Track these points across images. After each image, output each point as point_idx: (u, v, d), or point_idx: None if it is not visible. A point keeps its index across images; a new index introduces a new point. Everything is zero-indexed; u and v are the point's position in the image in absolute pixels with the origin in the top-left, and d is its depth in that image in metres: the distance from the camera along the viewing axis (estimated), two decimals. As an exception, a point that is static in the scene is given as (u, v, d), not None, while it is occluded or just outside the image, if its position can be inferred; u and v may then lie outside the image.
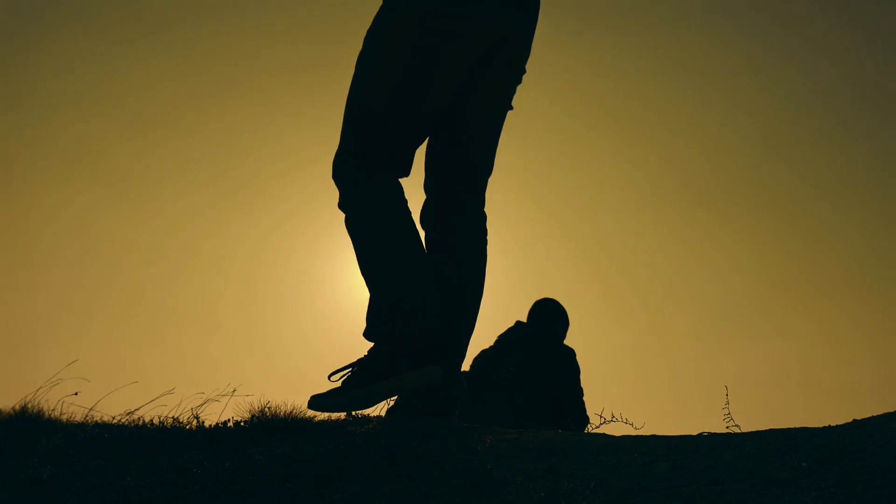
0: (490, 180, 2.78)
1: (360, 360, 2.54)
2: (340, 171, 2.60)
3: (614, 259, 10.52)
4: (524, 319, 4.97)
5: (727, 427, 2.78)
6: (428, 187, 2.75)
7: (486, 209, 2.76)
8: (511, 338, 4.82)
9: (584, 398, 4.73)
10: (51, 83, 9.40)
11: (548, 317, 4.97)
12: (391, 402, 2.64)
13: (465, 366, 4.81)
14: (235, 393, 3.17)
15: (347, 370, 2.54)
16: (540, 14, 2.69)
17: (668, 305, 10.24)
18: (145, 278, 9.25)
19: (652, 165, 10.57)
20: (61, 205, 9.57)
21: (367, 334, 2.55)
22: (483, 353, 4.88)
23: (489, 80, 2.63)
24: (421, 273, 2.51)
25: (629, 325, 10.01)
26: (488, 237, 2.74)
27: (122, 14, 9.33)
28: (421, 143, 2.69)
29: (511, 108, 2.77)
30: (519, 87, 2.76)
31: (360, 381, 2.49)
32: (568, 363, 4.73)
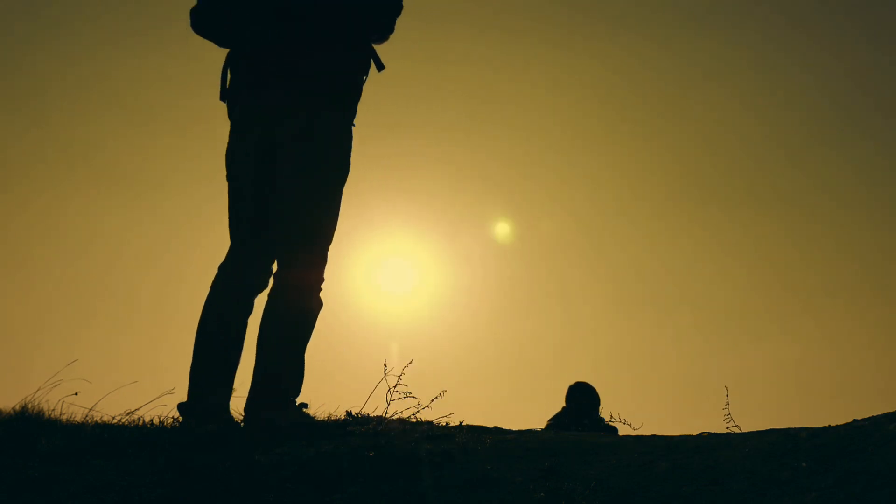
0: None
1: None
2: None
3: (615, 260, 10.52)
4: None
5: (727, 427, 2.78)
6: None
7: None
8: (553, 419, 5.52)
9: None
10: (51, 83, 9.40)
11: (569, 395, 5.65)
12: None
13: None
14: (236, 394, 3.17)
15: None
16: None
17: (668, 306, 10.25)
18: (145, 278, 9.25)
19: (655, 165, 10.56)
20: (61, 205, 9.57)
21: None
22: None
23: (282, 166, 2.97)
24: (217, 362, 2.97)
25: (630, 325, 10.02)
26: None
27: (122, 14, 9.33)
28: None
29: (329, 182, 3.03)
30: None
31: None
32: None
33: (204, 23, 3.08)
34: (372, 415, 2.98)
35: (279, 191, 2.96)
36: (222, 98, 3.10)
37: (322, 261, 3.02)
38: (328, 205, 3.02)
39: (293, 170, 2.95)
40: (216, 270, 3.08)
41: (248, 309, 3.04)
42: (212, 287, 3.04)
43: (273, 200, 2.98)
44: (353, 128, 3.11)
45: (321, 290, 3.04)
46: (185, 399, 3.01)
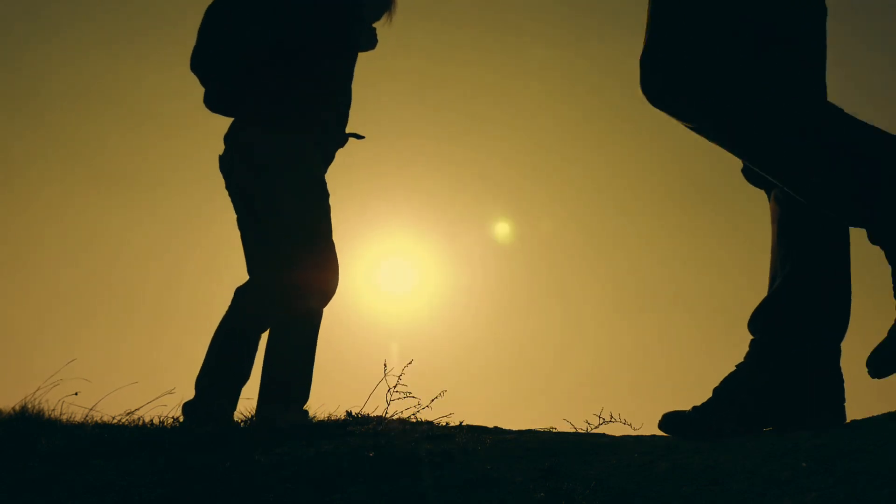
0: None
1: None
2: None
3: (615, 260, 10.53)
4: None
5: (727, 427, 2.77)
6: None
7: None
8: None
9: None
10: (51, 83, 9.40)
11: None
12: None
13: None
14: (241, 397, 3.18)
15: None
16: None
17: (669, 306, 10.25)
18: (145, 277, 9.24)
19: (656, 165, 10.57)
20: (61, 204, 9.56)
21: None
22: None
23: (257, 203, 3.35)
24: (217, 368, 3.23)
25: (630, 325, 10.02)
26: None
27: (122, 14, 9.33)
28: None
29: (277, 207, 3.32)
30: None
31: None
32: None
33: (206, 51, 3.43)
34: (372, 415, 2.98)
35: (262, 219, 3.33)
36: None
37: (311, 264, 3.12)
38: (295, 215, 3.24)
39: (262, 203, 3.30)
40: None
41: (261, 327, 3.27)
42: (229, 306, 3.33)
43: (262, 230, 3.36)
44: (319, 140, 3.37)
45: (323, 293, 3.12)
46: (189, 399, 3.06)
